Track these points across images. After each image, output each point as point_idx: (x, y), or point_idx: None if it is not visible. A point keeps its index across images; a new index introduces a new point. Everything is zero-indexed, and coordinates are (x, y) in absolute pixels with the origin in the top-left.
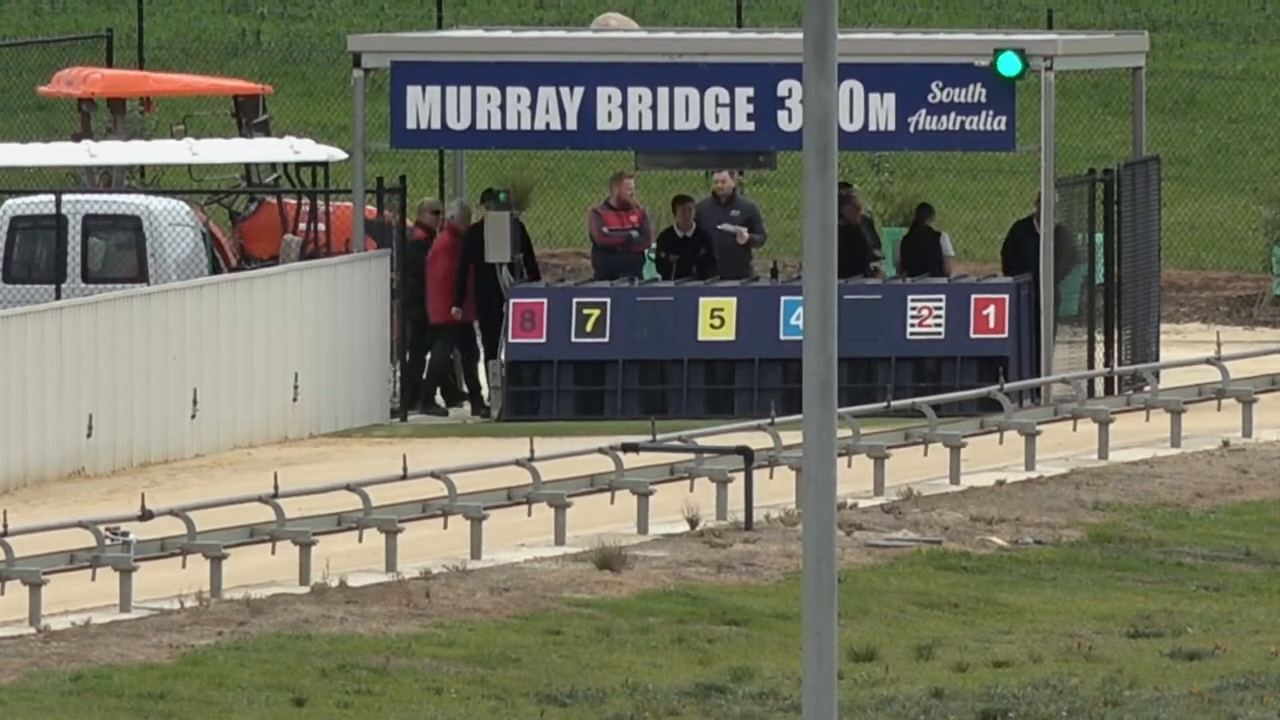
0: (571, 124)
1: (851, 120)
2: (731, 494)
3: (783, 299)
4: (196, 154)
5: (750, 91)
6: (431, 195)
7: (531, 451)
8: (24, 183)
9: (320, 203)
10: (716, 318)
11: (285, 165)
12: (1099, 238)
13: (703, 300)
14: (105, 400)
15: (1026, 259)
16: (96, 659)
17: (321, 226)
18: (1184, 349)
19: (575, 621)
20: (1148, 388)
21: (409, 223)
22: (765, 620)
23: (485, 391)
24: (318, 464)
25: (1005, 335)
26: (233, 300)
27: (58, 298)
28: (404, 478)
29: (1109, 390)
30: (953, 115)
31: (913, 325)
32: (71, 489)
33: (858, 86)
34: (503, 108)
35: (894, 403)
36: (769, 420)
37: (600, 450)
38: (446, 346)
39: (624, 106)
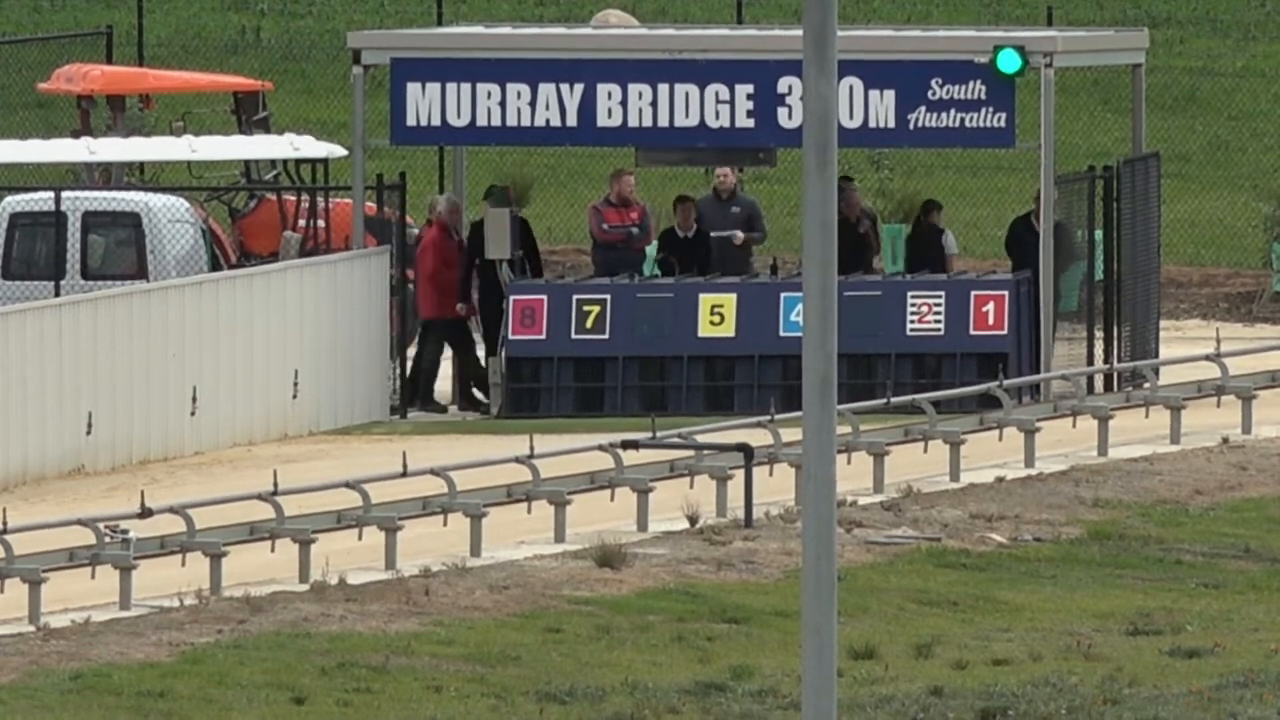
0: (571, 120)
1: (851, 117)
2: (731, 491)
3: (782, 295)
4: (196, 151)
5: (750, 88)
6: (432, 192)
7: (531, 448)
8: (23, 179)
9: (320, 199)
10: (716, 314)
11: (285, 162)
12: (1099, 234)
13: (703, 297)
14: (105, 397)
15: (1026, 255)
16: (96, 657)
17: (321, 223)
18: (1183, 345)
19: (575, 619)
20: (1147, 384)
21: (409, 220)
22: (765, 618)
23: (477, 392)
24: (317, 461)
25: (1005, 332)
26: (232, 297)
27: (57, 295)
28: (404, 475)
29: (1108, 387)
30: (952, 112)
31: (912, 321)
32: (71, 486)
33: (858, 83)
34: (503, 104)
35: (894, 399)
36: (769, 417)
37: (600, 447)
38: (438, 342)
39: (624, 103)
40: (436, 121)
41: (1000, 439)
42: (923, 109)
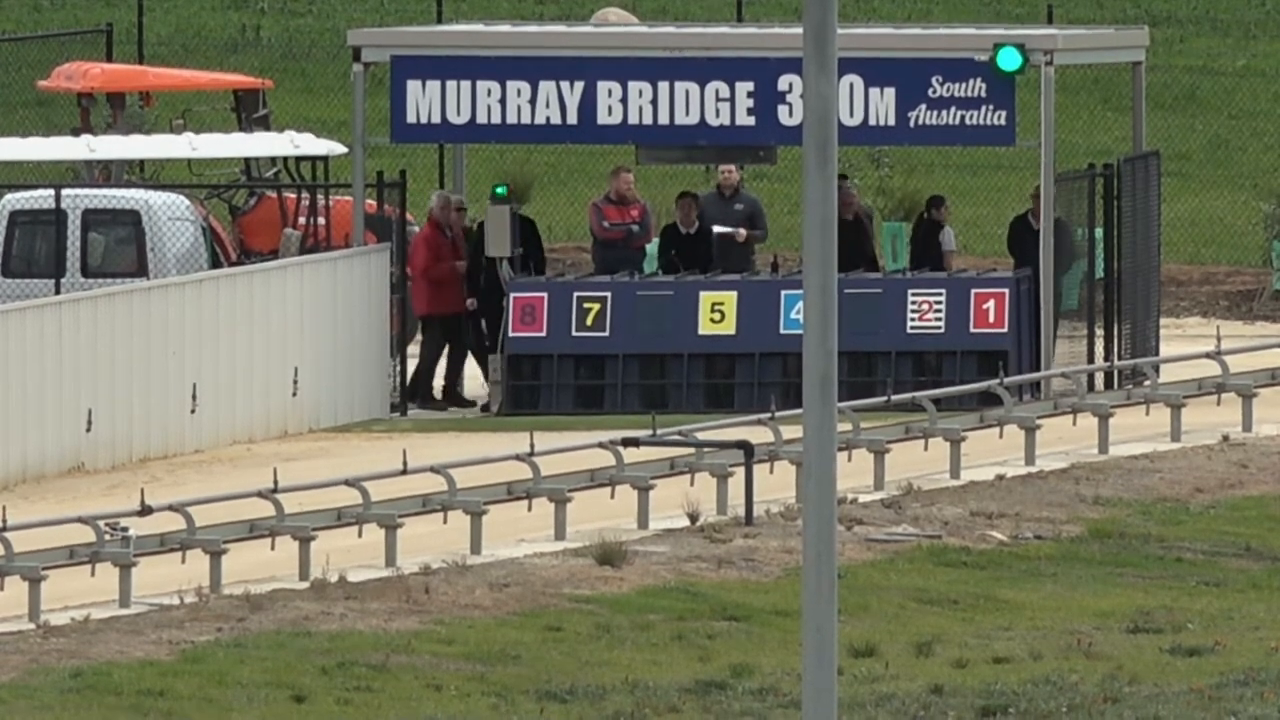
0: (572, 118)
1: (852, 115)
2: (732, 489)
3: (783, 293)
4: (196, 149)
5: (750, 86)
6: (433, 190)
7: (531, 446)
8: (23, 177)
9: (320, 197)
10: (717, 312)
11: (285, 160)
12: (1099, 233)
13: (703, 294)
14: (105, 395)
15: (1026, 253)
16: (96, 655)
17: (321, 221)
18: (1184, 344)
19: (575, 618)
20: (1147, 382)
21: (409, 217)
22: (765, 616)
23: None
24: (317, 459)
25: (1005, 329)
26: (232, 295)
27: (57, 292)
28: (404, 473)
29: (1109, 385)
30: (953, 110)
31: (913, 319)
32: (71, 484)
33: (858, 81)
34: (503, 102)
35: (894, 397)
36: (769, 414)
37: (600, 445)
38: (435, 339)
39: (624, 101)
40: (436, 119)
41: (1001, 437)
42: (923, 107)
